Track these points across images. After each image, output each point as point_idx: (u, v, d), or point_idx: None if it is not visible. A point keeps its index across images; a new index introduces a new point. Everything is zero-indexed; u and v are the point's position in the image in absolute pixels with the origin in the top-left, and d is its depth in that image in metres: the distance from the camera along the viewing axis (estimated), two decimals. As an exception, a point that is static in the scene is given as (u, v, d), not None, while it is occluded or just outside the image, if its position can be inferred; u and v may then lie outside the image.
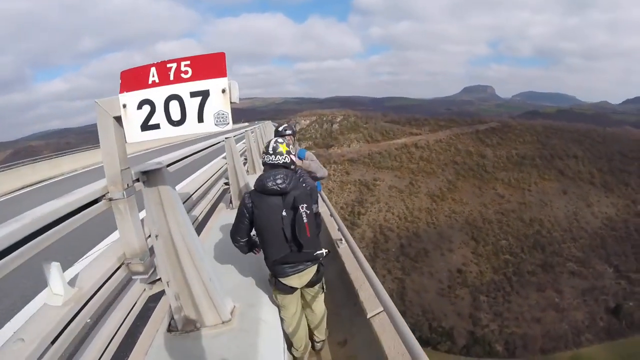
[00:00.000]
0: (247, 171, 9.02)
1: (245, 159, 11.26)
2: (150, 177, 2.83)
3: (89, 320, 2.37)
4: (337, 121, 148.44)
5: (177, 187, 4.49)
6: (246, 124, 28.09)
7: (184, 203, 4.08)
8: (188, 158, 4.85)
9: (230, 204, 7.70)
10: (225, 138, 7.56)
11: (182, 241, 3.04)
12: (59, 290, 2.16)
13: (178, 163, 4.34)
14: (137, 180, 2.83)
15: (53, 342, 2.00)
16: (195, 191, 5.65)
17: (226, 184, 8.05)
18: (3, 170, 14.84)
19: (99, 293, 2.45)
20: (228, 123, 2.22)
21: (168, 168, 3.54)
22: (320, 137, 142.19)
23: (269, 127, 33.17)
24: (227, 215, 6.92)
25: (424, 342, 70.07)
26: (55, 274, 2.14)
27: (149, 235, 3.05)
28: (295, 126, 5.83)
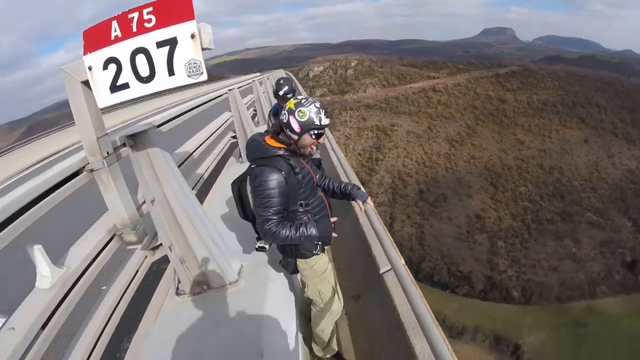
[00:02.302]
0: (258, 123, 9.00)
1: (255, 111, 11.12)
2: (137, 140, 2.74)
3: (81, 299, 2.34)
4: (351, 66, 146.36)
5: (181, 147, 4.86)
6: (258, 74, 27.62)
7: (184, 161, 4.31)
8: (184, 115, 4.63)
9: (240, 158, 7.73)
10: (228, 90, 7.37)
11: (179, 205, 3.00)
12: (46, 272, 2.10)
13: (173, 121, 4.11)
14: (124, 145, 2.73)
15: (44, 327, 2.00)
16: (197, 148, 5.31)
17: (234, 137, 7.95)
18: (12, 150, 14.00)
19: (90, 268, 2.42)
20: (202, 73, 1.97)
21: (160, 128, 3.49)
22: (335, 83, 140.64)
23: (279, 75, 32.63)
24: (237, 169, 6.89)
25: (442, 286, 72.43)
26: (39, 258, 2.07)
27: (143, 202, 2.99)
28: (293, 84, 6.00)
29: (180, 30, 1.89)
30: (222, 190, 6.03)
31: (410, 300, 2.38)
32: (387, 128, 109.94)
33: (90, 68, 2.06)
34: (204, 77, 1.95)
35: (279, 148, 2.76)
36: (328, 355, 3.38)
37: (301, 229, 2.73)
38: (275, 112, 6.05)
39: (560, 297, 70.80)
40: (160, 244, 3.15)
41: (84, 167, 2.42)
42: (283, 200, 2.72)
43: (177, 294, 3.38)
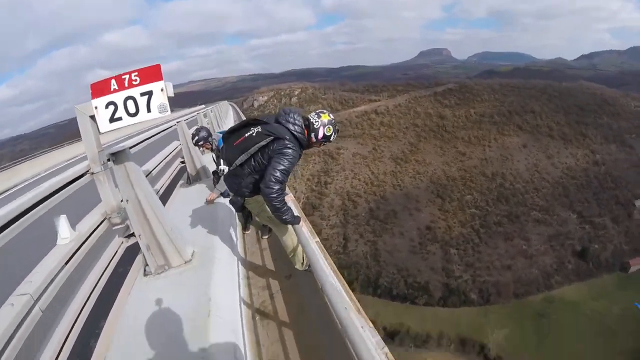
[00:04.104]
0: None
1: None
2: (117, 157, 3.84)
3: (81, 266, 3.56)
4: (295, 94, 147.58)
5: (144, 166, 6.19)
6: (202, 106, 28.02)
7: (146, 176, 5.16)
8: (147, 141, 6.11)
9: (189, 180, 8.70)
10: (177, 122, 8.47)
11: (147, 202, 4.07)
12: (66, 235, 3.35)
13: (139, 145, 5.57)
14: (108, 159, 3.81)
15: (67, 263, 3.16)
16: (155, 168, 6.74)
17: (182, 162, 8.98)
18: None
19: (92, 236, 3.63)
20: (167, 111, 3.28)
21: (131, 150, 4.39)
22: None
23: (224, 107, 34.15)
24: (187, 190, 8.26)
25: (402, 298, 73.47)
26: (62, 223, 3.35)
27: (122, 200, 4.05)
28: (202, 130, 7.68)
29: (154, 87, 3.21)
30: (174, 205, 7.36)
31: (322, 269, 3.14)
32: (334, 152, 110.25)
33: (96, 107, 3.30)
34: (168, 113, 3.31)
35: (306, 140, 3.88)
36: (307, 267, 4.52)
37: (288, 208, 3.82)
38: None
39: (518, 293, 73.03)
40: (133, 233, 4.26)
41: (87, 171, 3.66)
42: (289, 173, 3.73)
43: (145, 274, 4.44)
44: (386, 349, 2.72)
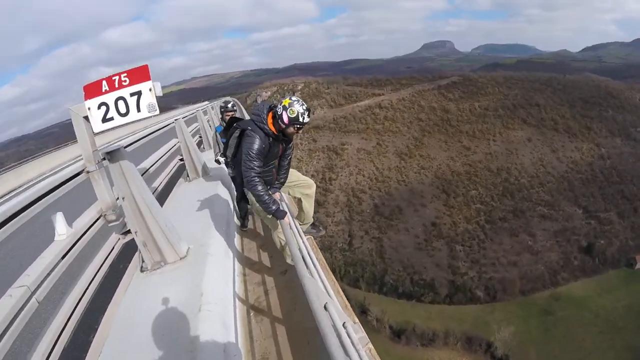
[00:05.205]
0: (204, 149, 10.14)
1: (200, 137, 12.41)
2: (112, 155, 3.98)
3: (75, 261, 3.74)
4: (298, 89, 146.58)
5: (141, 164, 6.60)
6: (206, 102, 28.21)
7: (143, 174, 5.60)
8: (143, 139, 6.33)
9: (188, 177, 8.77)
10: (175, 120, 8.54)
11: (142, 200, 4.23)
12: (62, 231, 3.46)
13: (135, 144, 5.82)
14: (104, 158, 3.92)
15: (63, 257, 3.30)
16: (152, 165, 6.93)
17: (181, 159, 9.06)
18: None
19: (88, 232, 3.74)
20: (156, 110, 3.39)
21: (126, 148, 4.48)
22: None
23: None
24: (186, 187, 8.40)
25: (408, 296, 73.21)
26: (59, 220, 3.46)
27: (118, 198, 4.19)
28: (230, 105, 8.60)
29: (143, 87, 3.33)
30: (174, 202, 7.53)
31: (302, 266, 3.11)
32: (338, 147, 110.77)
33: (89, 108, 3.43)
34: (157, 112, 3.41)
35: (268, 127, 4.10)
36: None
37: (270, 198, 4.08)
38: (221, 131, 7.31)
39: (524, 289, 72.83)
40: (129, 230, 4.41)
41: (83, 169, 3.78)
42: (261, 159, 4.07)
43: (142, 270, 4.61)
44: (370, 345, 2.94)
